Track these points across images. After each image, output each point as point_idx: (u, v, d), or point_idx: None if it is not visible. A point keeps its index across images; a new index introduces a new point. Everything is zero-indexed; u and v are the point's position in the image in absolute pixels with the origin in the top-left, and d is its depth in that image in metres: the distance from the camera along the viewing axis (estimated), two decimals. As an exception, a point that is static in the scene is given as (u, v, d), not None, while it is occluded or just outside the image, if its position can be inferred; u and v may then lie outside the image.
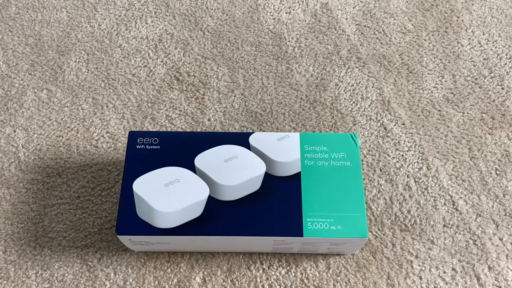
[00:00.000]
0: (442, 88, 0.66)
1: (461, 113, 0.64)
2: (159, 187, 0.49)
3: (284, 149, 0.52)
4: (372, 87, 0.66)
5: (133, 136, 0.53)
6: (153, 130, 0.63)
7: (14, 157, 0.61)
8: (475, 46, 0.70)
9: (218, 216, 0.49)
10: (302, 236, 0.48)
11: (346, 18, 0.73)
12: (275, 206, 0.49)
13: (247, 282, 0.53)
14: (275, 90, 0.66)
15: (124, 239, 0.49)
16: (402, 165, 0.60)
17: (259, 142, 0.53)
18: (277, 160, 0.51)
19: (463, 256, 0.54)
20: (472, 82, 0.66)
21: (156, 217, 0.47)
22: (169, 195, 0.48)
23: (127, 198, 0.49)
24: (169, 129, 0.63)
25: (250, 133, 0.53)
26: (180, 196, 0.48)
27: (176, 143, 0.52)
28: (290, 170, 0.51)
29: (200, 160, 0.51)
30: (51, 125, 0.64)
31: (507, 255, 0.54)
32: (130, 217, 0.48)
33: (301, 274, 0.53)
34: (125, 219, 0.48)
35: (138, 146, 0.52)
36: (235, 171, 0.50)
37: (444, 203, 0.57)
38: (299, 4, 0.74)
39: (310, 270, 0.54)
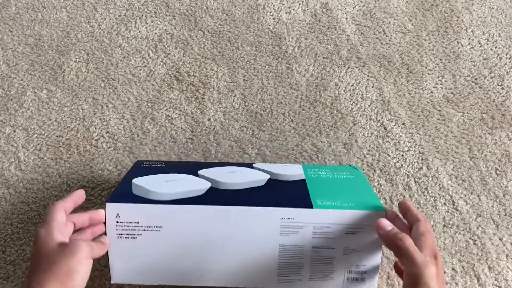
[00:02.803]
0: (442, 88, 0.66)
1: (461, 113, 0.64)
2: (160, 181, 0.48)
3: (288, 169, 0.52)
4: (372, 87, 0.66)
5: (138, 164, 0.53)
6: (154, 131, 0.63)
7: (14, 157, 0.61)
8: (475, 46, 0.70)
9: (221, 193, 0.46)
10: (312, 207, 0.43)
11: (346, 18, 0.73)
12: (282, 192, 0.47)
13: (247, 282, 0.53)
14: (275, 90, 0.66)
15: (111, 217, 0.44)
16: (402, 165, 0.60)
17: (262, 166, 0.53)
18: (281, 173, 0.50)
19: (463, 256, 0.54)
20: (472, 82, 0.66)
21: (152, 194, 0.45)
22: (168, 185, 0.46)
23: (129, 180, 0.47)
24: (169, 129, 0.63)
25: (253, 163, 0.54)
26: (179, 186, 0.46)
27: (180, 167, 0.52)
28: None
29: (204, 172, 0.50)
30: (51, 125, 0.64)
31: (507, 255, 0.54)
32: (126, 192, 0.46)
33: (301, 274, 0.53)
34: (120, 193, 0.45)
35: (143, 165, 0.53)
36: (239, 176, 0.49)
37: (444, 203, 0.57)
38: (299, 4, 0.74)
39: (310, 270, 0.54)
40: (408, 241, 0.38)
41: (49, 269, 0.36)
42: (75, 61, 0.69)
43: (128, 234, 0.45)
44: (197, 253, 0.45)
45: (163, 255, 0.45)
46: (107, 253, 0.44)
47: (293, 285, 0.46)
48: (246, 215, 0.44)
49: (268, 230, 0.44)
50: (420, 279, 0.36)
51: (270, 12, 0.73)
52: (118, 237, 0.45)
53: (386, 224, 0.41)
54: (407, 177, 0.59)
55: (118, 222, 0.44)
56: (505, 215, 0.56)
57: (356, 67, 0.68)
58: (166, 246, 0.45)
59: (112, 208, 0.44)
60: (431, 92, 0.66)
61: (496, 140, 0.62)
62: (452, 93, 0.66)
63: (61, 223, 0.40)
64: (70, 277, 0.36)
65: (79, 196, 0.44)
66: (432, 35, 0.71)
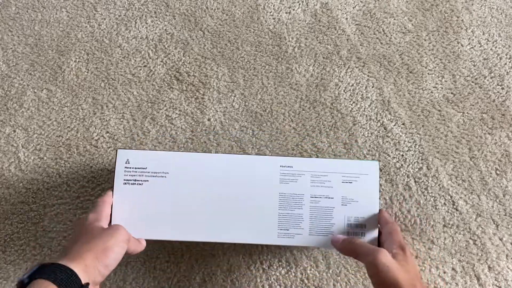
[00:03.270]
0: (442, 88, 0.66)
1: (461, 113, 0.64)
2: None
3: None
4: (372, 87, 0.66)
5: None
6: (154, 131, 0.63)
7: (14, 157, 0.61)
8: (475, 46, 0.69)
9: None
10: (310, 156, 0.47)
11: (346, 18, 0.73)
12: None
13: (247, 282, 0.53)
14: (275, 90, 0.66)
15: (121, 162, 0.46)
16: (402, 165, 0.60)
17: None
18: None
19: (463, 256, 0.54)
20: (472, 82, 0.66)
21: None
22: None
23: None
24: (169, 129, 0.63)
25: None
26: None
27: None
28: None
29: None
30: (51, 125, 0.64)
31: (507, 255, 0.54)
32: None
33: (301, 274, 0.53)
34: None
35: None
36: None
37: (444, 203, 0.57)
38: (299, 4, 0.74)
39: (310, 270, 0.54)
40: (358, 240, 0.43)
41: (89, 243, 0.40)
42: (75, 61, 0.69)
43: (135, 180, 0.47)
44: (199, 203, 0.46)
45: (166, 204, 0.46)
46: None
47: (293, 240, 0.46)
48: (249, 163, 0.46)
49: (269, 178, 0.47)
50: (376, 263, 0.39)
51: (270, 12, 0.73)
52: (125, 183, 0.47)
53: (339, 237, 0.45)
54: (407, 177, 0.59)
55: (127, 168, 0.46)
56: (505, 215, 0.56)
57: (356, 67, 0.68)
58: (170, 193, 0.47)
59: (123, 154, 0.46)
60: (431, 92, 0.66)
61: (496, 140, 0.62)
62: (452, 93, 0.66)
63: (108, 215, 0.45)
64: (105, 254, 0.40)
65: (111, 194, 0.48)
66: (432, 35, 0.71)
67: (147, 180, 0.47)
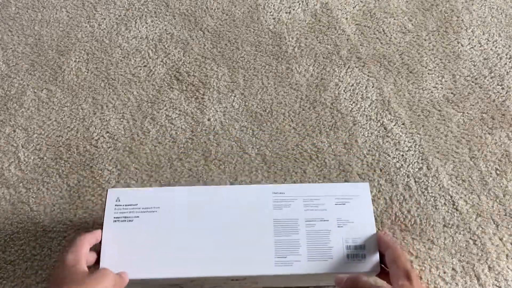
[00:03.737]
0: (442, 88, 0.66)
1: (461, 113, 0.64)
2: None
3: None
4: (372, 87, 0.66)
5: None
6: (154, 131, 0.63)
7: (14, 157, 0.61)
8: (475, 46, 0.69)
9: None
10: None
11: (346, 18, 0.73)
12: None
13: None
14: (275, 90, 0.66)
15: (111, 201, 0.45)
16: (402, 165, 0.60)
17: None
18: None
19: (463, 256, 0.54)
20: (472, 82, 0.66)
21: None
22: None
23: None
24: (169, 129, 0.63)
25: None
26: None
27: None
28: None
29: None
30: (51, 125, 0.64)
31: (507, 255, 0.54)
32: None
33: (301, 274, 0.53)
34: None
35: None
36: None
37: (444, 203, 0.57)
38: (299, 4, 0.74)
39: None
40: (362, 278, 0.41)
41: None
42: (75, 61, 0.69)
43: (125, 217, 0.45)
44: (191, 237, 0.45)
45: (157, 240, 0.45)
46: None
47: (292, 268, 0.45)
48: (241, 193, 0.46)
49: (261, 205, 0.46)
50: None
51: (270, 12, 0.73)
52: (115, 220, 0.45)
53: (342, 277, 0.43)
54: (407, 177, 0.59)
55: (117, 206, 0.45)
56: (505, 215, 0.56)
57: (356, 67, 0.68)
58: (162, 228, 0.45)
59: (114, 193, 0.45)
60: (431, 92, 0.66)
61: (496, 140, 0.62)
62: (452, 93, 0.66)
63: (86, 254, 0.43)
64: None
65: (99, 236, 0.45)
66: (432, 35, 0.71)
67: (138, 216, 0.45)
